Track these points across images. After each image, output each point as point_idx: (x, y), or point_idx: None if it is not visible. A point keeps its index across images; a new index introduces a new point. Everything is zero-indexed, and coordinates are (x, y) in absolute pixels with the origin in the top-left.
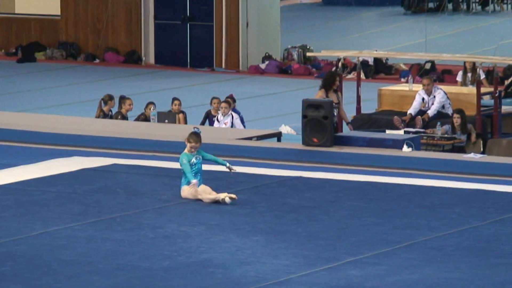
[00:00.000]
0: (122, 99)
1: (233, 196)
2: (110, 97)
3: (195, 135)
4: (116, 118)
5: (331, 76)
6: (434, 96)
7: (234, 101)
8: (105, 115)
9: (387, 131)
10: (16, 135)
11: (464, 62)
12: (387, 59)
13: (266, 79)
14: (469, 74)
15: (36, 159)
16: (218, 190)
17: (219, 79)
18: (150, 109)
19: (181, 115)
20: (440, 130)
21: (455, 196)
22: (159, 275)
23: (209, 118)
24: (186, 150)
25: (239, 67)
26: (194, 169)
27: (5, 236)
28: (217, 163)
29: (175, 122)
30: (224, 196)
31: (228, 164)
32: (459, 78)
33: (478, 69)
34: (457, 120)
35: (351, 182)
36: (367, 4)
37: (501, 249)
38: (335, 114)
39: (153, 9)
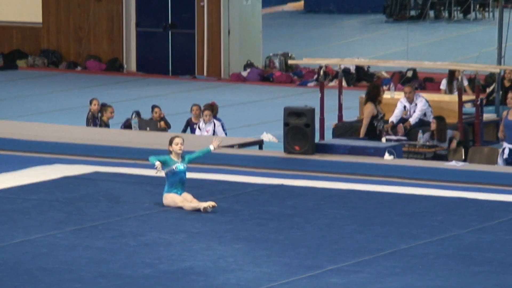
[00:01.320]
0: (104, 106)
1: (213, 204)
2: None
3: (176, 135)
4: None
5: (374, 88)
6: (416, 104)
7: (217, 109)
8: (94, 117)
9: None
10: None
11: (451, 71)
12: (368, 67)
13: (248, 87)
14: (455, 82)
15: (18, 167)
16: (200, 198)
17: (201, 87)
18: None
19: (162, 123)
20: (423, 138)
21: (437, 204)
22: (141, 283)
23: (190, 125)
24: (171, 155)
25: (220, 75)
26: (176, 178)
27: None
28: (204, 154)
29: (156, 130)
30: (207, 205)
31: (212, 147)
32: (443, 86)
33: (460, 77)
34: (432, 125)
35: (333, 190)
36: (349, 12)
37: (483, 257)
38: (382, 126)
39: (135, 17)
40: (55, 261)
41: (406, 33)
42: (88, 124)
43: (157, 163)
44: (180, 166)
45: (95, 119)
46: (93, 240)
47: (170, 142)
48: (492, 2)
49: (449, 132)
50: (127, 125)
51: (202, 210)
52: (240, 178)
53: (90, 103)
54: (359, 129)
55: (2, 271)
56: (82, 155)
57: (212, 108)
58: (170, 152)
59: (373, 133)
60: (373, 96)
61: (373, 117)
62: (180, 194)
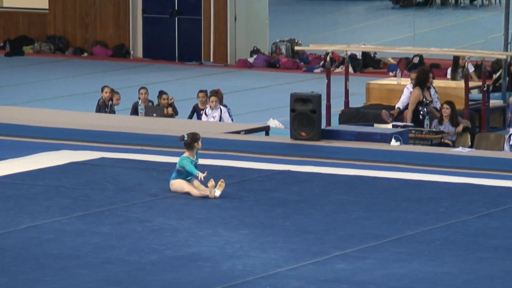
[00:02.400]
0: (111, 92)
1: (221, 183)
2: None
3: (196, 133)
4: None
5: (423, 73)
6: None
7: (221, 96)
8: (105, 105)
9: (375, 125)
10: (4, 128)
11: (457, 58)
12: (375, 53)
13: (254, 73)
14: (459, 70)
15: (24, 153)
16: (206, 184)
17: (207, 73)
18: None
19: (170, 109)
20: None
21: (443, 190)
22: (147, 269)
23: (196, 111)
24: (186, 154)
25: (227, 61)
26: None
27: None
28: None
29: (163, 116)
30: (212, 189)
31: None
32: (449, 75)
33: (466, 63)
34: (445, 110)
35: (339, 176)
36: None
37: (489, 243)
38: (427, 111)
39: (141, 3)
40: (62, 247)
41: (413, 19)
42: (98, 111)
43: (202, 175)
44: (187, 165)
45: (106, 107)
46: (99, 226)
47: (196, 140)
48: None
49: (459, 119)
50: (135, 106)
51: (210, 195)
52: (247, 164)
53: (102, 90)
54: (365, 115)
55: (8, 256)
56: (88, 141)
57: (218, 94)
58: (191, 149)
59: (417, 118)
60: (421, 81)
61: (419, 103)
62: (188, 180)
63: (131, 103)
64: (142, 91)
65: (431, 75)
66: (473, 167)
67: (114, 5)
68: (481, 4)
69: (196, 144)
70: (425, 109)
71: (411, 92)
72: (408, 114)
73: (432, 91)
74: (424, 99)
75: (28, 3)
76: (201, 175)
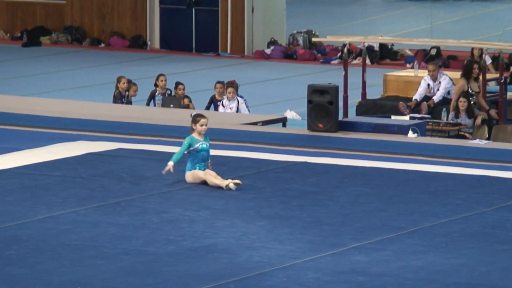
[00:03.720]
0: (128, 83)
1: (238, 181)
2: (128, 81)
3: (200, 114)
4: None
5: (468, 64)
6: (440, 82)
7: (237, 87)
8: (121, 96)
9: (393, 117)
10: (21, 119)
11: (472, 50)
12: (392, 44)
13: (271, 64)
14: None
15: (41, 143)
16: (223, 175)
17: (224, 64)
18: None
19: (186, 100)
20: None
21: (460, 182)
22: (164, 260)
23: (213, 102)
24: (194, 134)
25: (244, 52)
26: (199, 156)
27: (10, 220)
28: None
29: (180, 107)
30: (228, 182)
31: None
32: None
33: (484, 55)
34: (463, 104)
35: (356, 168)
36: None
37: (506, 235)
38: (474, 102)
39: None
40: (79, 237)
41: (430, 11)
42: (115, 102)
43: (170, 164)
44: (203, 144)
45: (122, 98)
46: (116, 217)
47: (195, 121)
48: None
49: (475, 111)
50: (153, 94)
51: (225, 188)
52: (264, 156)
53: (118, 81)
54: (383, 107)
55: (26, 247)
56: (105, 132)
57: (235, 85)
58: (192, 130)
59: (458, 108)
60: (466, 72)
61: (464, 93)
62: (203, 170)
63: (147, 94)
64: (162, 78)
65: (476, 66)
66: (490, 159)
67: None
68: None
69: (193, 125)
70: (471, 100)
71: (428, 84)
72: (452, 103)
73: (449, 82)
74: (470, 90)
75: None
76: (166, 170)
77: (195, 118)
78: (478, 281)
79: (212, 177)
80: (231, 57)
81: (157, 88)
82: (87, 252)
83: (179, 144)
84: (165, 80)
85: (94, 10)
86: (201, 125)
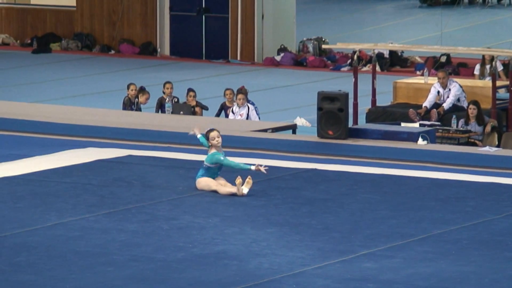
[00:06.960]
0: (141, 91)
1: (249, 180)
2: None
3: (210, 129)
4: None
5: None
6: (449, 89)
7: (246, 93)
8: (131, 102)
9: (402, 124)
10: (31, 126)
11: (483, 55)
12: (402, 52)
13: (281, 71)
14: (488, 66)
15: (51, 150)
16: (233, 182)
17: (234, 71)
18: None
19: (198, 108)
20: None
21: (470, 189)
22: (174, 267)
23: (224, 109)
24: (213, 150)
25: (254, 59)
26: (217, 168)
27: (20, 226)
28: (238, 168)
29: (190, 114)
30: (239, 186)
31: (253, 167)
32: (476, 71)
33: (494, 62)
34: (472, 111)
35: (366, 175)
36: None
37: None
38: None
39: (168, 1)
40: (88, 244)
41: (440, 18)
42: (124, 109)
43: (255, 167)
44: (225, 159)
45: (132, 104)
46: (126, 224)
47: (207, 138)
48: None
49: (485, 119)
50: (160, 102)
51: (238, 193)
52: (273, 163)
53: (128, 87)
54: (392, 114)
55: (35, 254)
56: (115, 139)
57: (245, 92)
58: (210, 147)
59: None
60: None
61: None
62: (214, 178)
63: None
64: (168, 85)
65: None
66: (500, 166)
67: (142, 2)
68: (508, 3)
69: (209, 142)
70: None
71: (438, 91)
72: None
73: (459, 90)
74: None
75: (56, 0)
76: (254, 168)
77: (206, 135)
78: None
79: (222, 187)
80: (241, 64)
81: (164, 96)
82: (96, 259)
83: (189, 151)
84: (171, 88)
85: (104, 16)
86: (213, 139)
